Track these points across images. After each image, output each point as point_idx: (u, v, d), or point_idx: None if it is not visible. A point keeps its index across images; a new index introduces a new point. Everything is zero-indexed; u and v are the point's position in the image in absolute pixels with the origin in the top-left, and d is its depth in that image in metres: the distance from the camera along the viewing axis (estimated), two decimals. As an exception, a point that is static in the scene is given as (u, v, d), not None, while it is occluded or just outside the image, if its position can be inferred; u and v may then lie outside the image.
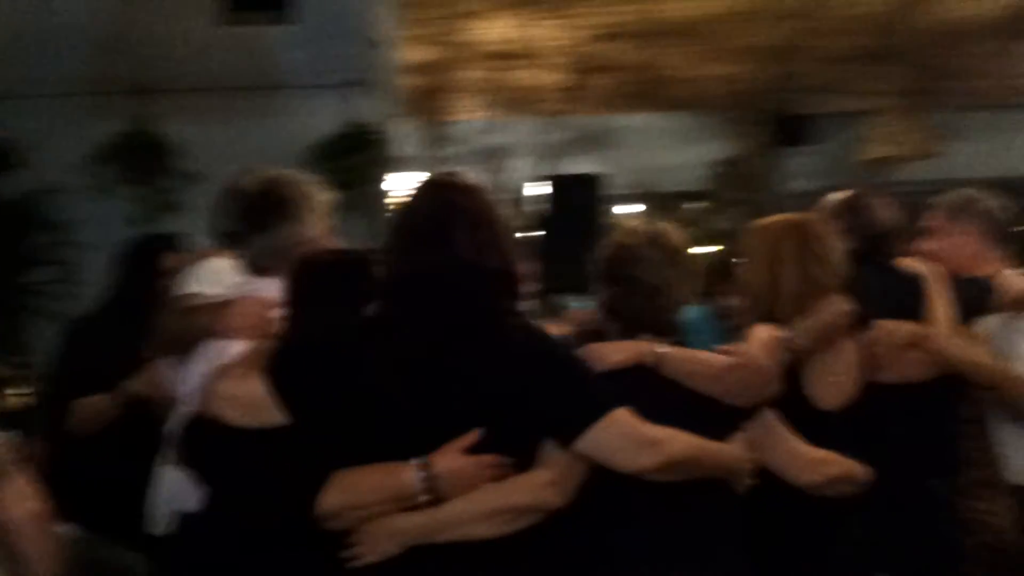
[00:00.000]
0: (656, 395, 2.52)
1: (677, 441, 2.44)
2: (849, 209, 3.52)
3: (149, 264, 3.80)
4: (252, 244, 2.99)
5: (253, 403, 2.32)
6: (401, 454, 2.26)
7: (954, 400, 3.50)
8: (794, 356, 2.89)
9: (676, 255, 2.73)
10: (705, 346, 2.74)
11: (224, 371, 2.45)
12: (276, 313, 2.74)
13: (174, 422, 3.06)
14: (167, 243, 3.95)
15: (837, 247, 3.11)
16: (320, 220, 3.04)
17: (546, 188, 7.92)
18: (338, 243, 3.04)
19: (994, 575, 3.59)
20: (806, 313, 2.98)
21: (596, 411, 2.32)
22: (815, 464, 2.83)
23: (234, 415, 2.35)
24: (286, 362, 2.35)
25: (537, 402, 2.30)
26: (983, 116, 9.52)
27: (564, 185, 7.75)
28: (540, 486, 2.31)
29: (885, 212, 3.55)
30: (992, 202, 3.91)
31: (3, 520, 2.47)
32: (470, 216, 2.38)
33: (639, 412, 2.38)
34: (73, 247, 5.89)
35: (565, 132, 8.58)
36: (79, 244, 5.86)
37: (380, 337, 2.34)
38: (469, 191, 2.45)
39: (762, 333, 2.86)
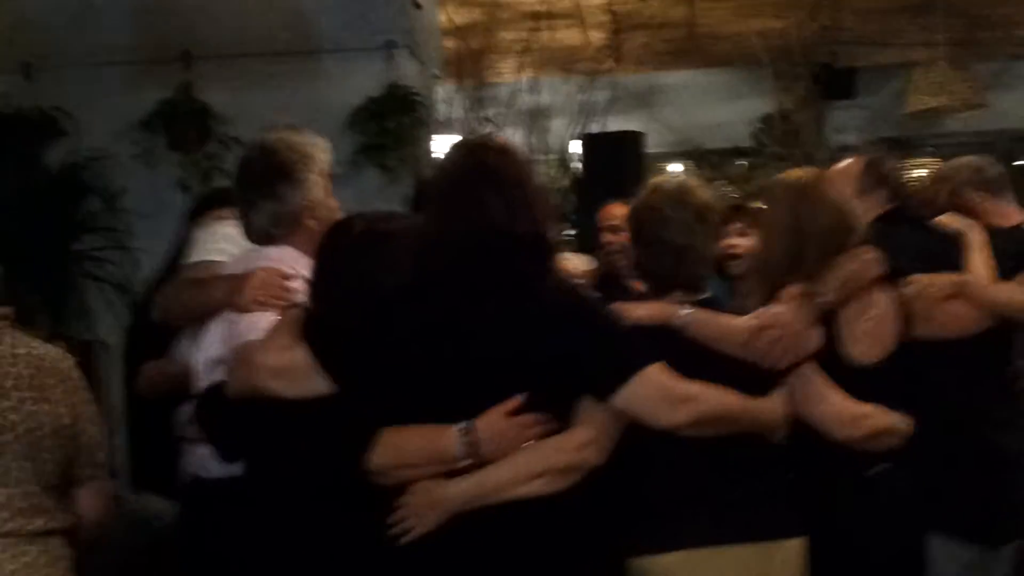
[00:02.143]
0: (687, 353, 2.55)
1: (710, 397, 2.47)
2: (869, 171, 3.46)
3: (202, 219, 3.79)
4: (258, 212, 2.93)
5: (298, 373, 2.36)
6: (443, 417, 2.31)
7: (1009, 353, 3.44)
8: (824, 312, 2.87)
9: (703, 212, 2.74)
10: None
11: (264, 344, 2.49)
12: (294, 283, 2.75)
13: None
14: (219, 199, 3.82)
15: (852, 203, 3.08)
16: (322, 180, 2.97)
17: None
18: (337, 203, 3.00)
19: None
20: (831, 268, 2.94)
21: (631, 367, 2.37)
22: (854, 418, 2.85)
23: (280, 387, 2.38)
24: (325, 330, 2.40)
25: (573, 360, 2.34)
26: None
27: (597, 144, 7.71)
28: (579, 445, 2.36)
29: (899, 170, 3.52)
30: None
31: None
32: (502, 179, 2.41)
33: (675, 371, 2.42)
34: (122, 214, 5.96)
35: (607, 91, 8.52)
36: (128, 211, 5.94)
37: (416, 301, 2.38)
38: (501, 153, 2.48)
39: (791, 292, 2.86)
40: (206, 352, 2.87)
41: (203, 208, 3.75)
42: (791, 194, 3.07)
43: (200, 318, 2.97)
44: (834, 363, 2.88)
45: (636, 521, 2.58)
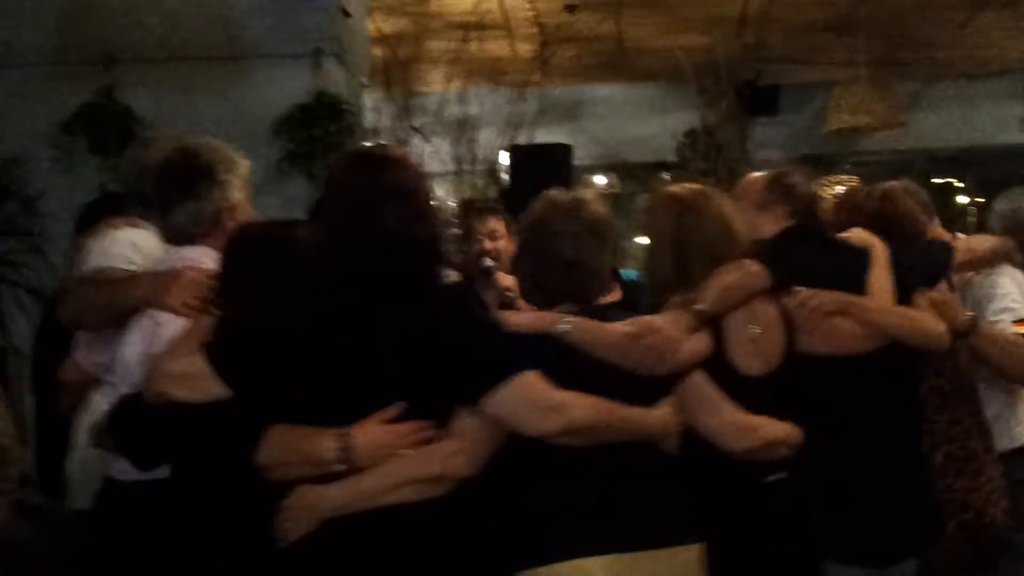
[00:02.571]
0: (570, 364, 2.56)
1: (582, 406, 2.48)
2: (774, 185, 3.37)
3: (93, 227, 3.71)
4: (178, 212, 2.92)
5: (196, 379, 2.40)
6: (332, 419, 2.34)
7: (909, 374, 3.36)
8: (706, 321, 2.87)
9: (595, 226, 2.74)
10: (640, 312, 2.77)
11: (168, 350, 2.55)
12: (214, 283, 2.75)
13: (100, 398, 2.98)
14: (111, 205, 3.74)
15: (737, 215, 3.06)
16: (242, 184, 2.99)
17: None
18: (254, 212, 3.03)
19: (978, 555, 3.49)
20: (712, 278, 2.93)
21: (504, 373, 2.38)
22: (747, 430, 2.85)
23: (180, 392, 2.44)
24: (222, 338, 2.45)
25: (449, 363, 2.36)
26: (949, 86, 9.58)
27: (524, 156, 7.73)
28: (448, 455, 2.38)
29: (809, 186, 3.43)
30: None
31: None
32: (396, 188, 2.44)
33: (554, 380, 2.43)
34: (40, 218, 5.85)
35: (535, 103, 8.56)
36: (46, 215, 5.82)
37: (311, 305, 2.42)
38: (395, 163, 2.51)
39: (672, 302, 2.87)
40: (133, 349, 2.82)
41: (93, 217, 3.66)
42: (675, 206, 3.06)
43: (117, 319, 2.91)
44: (722, 374, 2.87)
45: (524, 531, 2.54)
